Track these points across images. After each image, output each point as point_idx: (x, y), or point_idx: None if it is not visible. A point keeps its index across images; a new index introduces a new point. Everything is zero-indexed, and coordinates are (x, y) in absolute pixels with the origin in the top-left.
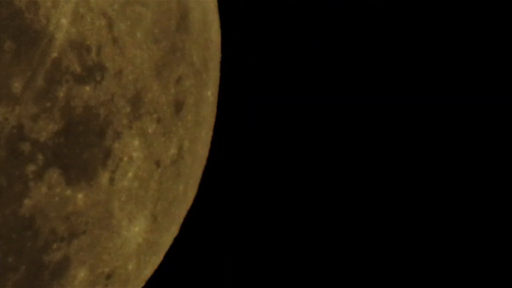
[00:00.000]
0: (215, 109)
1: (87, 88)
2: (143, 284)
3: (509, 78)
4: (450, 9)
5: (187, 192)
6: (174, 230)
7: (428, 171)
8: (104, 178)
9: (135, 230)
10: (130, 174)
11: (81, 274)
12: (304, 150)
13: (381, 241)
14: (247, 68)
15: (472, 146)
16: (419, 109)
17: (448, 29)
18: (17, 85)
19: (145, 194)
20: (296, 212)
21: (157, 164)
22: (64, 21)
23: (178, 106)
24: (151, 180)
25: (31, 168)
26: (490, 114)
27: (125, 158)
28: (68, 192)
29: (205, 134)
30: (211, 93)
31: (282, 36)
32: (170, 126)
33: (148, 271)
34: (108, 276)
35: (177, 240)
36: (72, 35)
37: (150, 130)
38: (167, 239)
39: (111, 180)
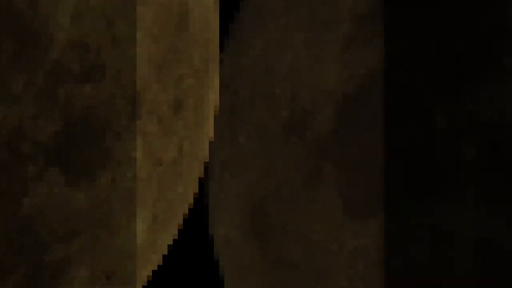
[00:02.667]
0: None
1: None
2: (143, 284)
3: None
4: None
5: (187, 192)
6: (174, 230)
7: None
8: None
9: (135, 230)
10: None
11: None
12: None
13: None
14: None
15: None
16: None
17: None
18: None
19: (145, 194)
20: None
21: (157, 164)
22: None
23: (178, 106)
24: (151, 180)
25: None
26: None
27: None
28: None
29: (205, 134)
30: (211, 93)
31: None
32: (170, 126)
33: (148, 271)
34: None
35: (177, 240)
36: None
37: (150, 130)
38: (167, 239)
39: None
